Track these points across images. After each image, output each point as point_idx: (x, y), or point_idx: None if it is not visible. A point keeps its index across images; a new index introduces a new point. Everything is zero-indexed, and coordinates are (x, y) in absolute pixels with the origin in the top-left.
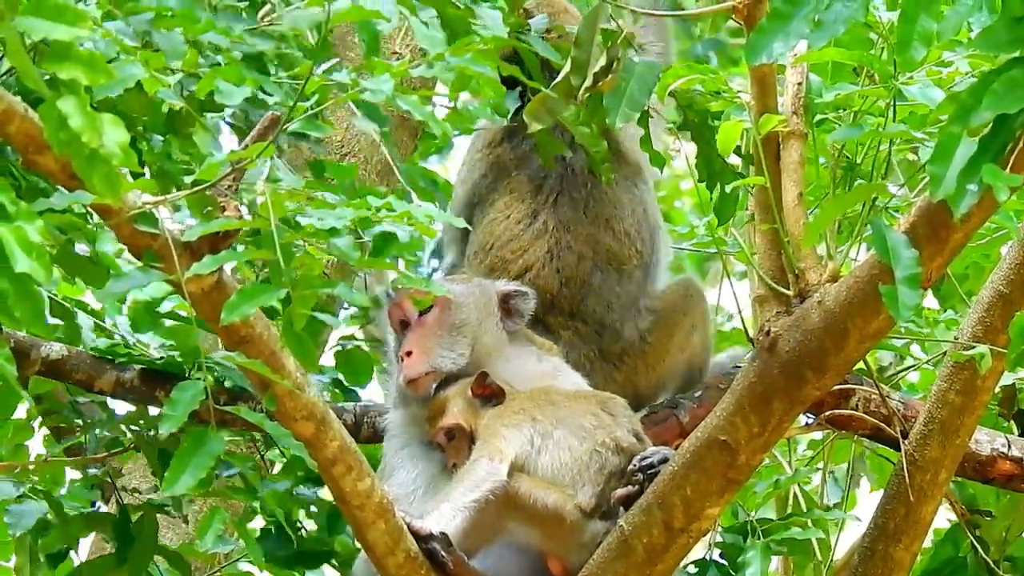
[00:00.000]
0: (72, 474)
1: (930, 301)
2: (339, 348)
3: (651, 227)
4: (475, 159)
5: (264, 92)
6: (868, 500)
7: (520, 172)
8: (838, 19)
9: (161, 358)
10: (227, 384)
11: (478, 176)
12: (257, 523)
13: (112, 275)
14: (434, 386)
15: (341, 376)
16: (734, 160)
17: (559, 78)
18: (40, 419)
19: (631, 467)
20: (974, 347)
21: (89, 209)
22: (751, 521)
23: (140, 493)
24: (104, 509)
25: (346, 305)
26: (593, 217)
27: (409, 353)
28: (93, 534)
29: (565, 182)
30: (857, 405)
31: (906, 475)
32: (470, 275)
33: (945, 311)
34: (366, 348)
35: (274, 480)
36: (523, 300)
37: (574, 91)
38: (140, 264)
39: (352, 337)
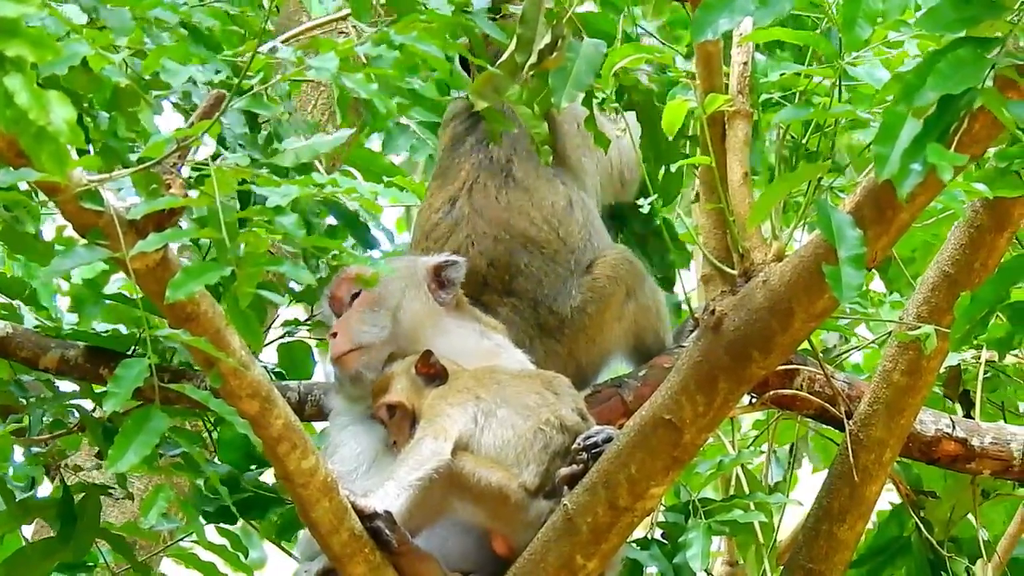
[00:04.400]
0: (16, 453)
1: (876, 284)
2: (282, 339)
3: (579, 218)
4: (441, 131)
5: (211, 70)
6: (810, 480)
7: (452, 154)
8: None
9: (106, 331)
10: (174, 361)
11: (439, 151)
12: None
13: (57, 252)
14: (363, 360)
15: (282, 371)
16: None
17: (504, 56)
18: None
19: (575, 446)
20: (919, 327)
21: (34, 186)
22: (693, 501)
23: (84, 470)
24: (47, 488)
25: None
26: (506, 204)
27: (335, 334)
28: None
29: (482, 169)
30: (802, 385)
31: (850, 455)
32: (403, 253)
33: (891, 293)
34: (309, 335)
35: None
36: (453, 269)
37: (519, 69)
38: (85, 242)
39: (296, 321)
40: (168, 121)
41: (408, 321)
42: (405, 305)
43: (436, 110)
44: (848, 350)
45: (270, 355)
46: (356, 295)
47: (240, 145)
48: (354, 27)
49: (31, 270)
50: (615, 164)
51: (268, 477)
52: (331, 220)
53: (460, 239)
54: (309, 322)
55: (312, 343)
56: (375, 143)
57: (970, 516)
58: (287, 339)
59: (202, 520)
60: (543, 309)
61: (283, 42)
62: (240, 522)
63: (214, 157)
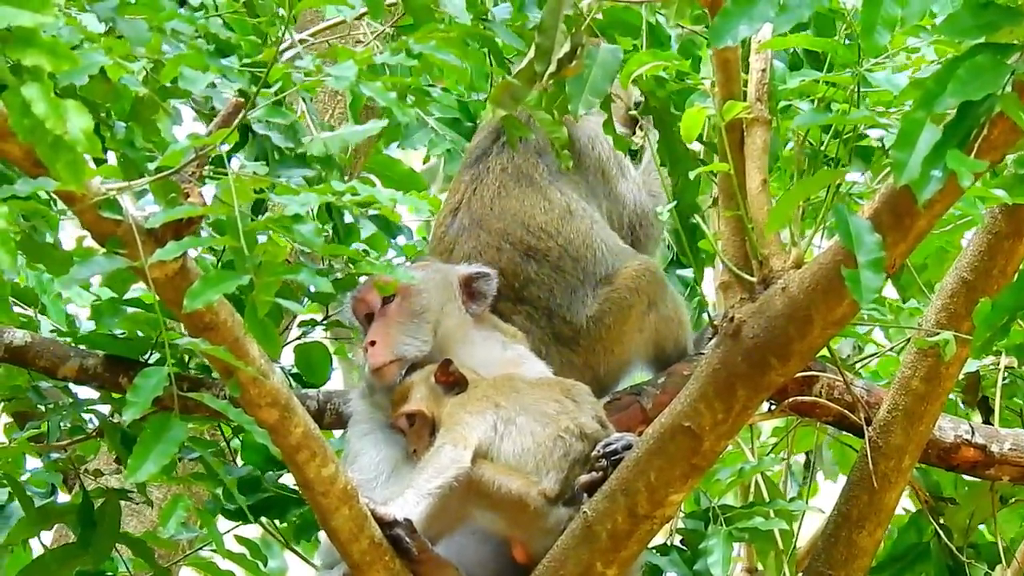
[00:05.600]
0: (34, 460)
1: (889, 291)
2: (299, 340)
3: (580, 227)
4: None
5: (227, 79)
6: (830, 487)
7: (460, 166)
8: (803, 3)
9: (123, 334)
10: (191, 369)
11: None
12: None
13: (76, 261)
14: (401, 373)
15: (300, 372)
16: (695, 147)
17: (523, 64)
18: (2, 405)
19: (595, 453)
20: (938, 334)
21: (53, 196)
22: (713, 508)
23: (104, 475)
24: (65, 496)
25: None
26: (500, 213)
27: (373, 343)
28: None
29: (479, 180)
30: (821, 392)
31: (870, 462)
32: (431, 260)
33: (906, 301)
34: (326, 335)
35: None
36: (485, 281)
37: (538, 77)
38: (104, 250)
39: (313, 322)
40: (189, 129)
41: (446, 334)
42: (444, 320)
43: (458, 108)
44: (869, 357)
45: (287, 357)
46: (388, 300)
47: (268, 124)
48: (371, 30)
49: (44, 284)
50: (628, 206)
51: (291, 479)
52: (348, 218)
53: (467, 249)
54: (325, 322)
55: (329, 344)
56: (394, 148)
57: (982, 527)
58: (304, 340)
59: (222, 520)
60: (557, 319)
61: (300, 42)
62: (260, 531)
63: (229, 156)
